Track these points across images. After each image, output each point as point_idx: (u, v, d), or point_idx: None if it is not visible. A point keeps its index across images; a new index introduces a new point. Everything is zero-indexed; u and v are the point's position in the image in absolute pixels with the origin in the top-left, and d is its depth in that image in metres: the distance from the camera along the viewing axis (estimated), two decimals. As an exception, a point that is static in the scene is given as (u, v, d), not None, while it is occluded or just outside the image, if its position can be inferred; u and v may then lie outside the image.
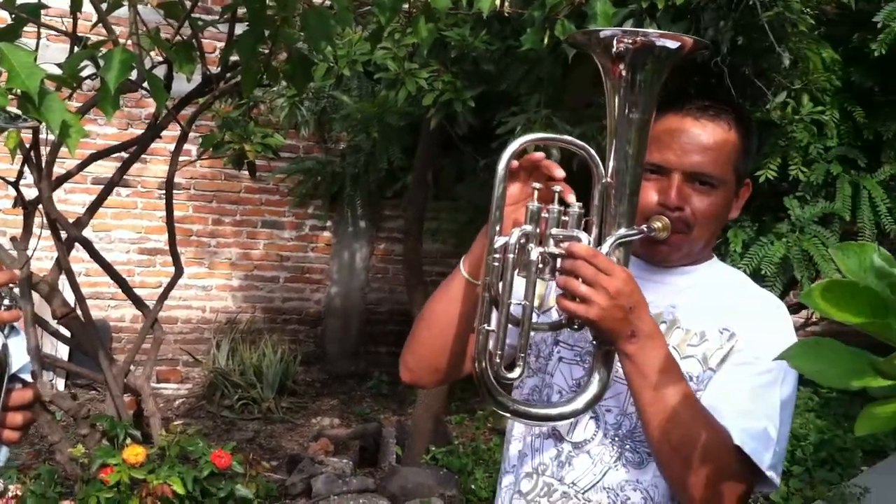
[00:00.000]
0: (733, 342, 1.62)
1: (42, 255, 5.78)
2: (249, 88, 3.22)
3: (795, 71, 4.29)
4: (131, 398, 4.37)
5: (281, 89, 5.45)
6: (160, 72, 3.16)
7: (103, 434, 3.74)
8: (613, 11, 2.84)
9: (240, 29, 3.10)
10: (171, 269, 4.28)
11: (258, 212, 7.76)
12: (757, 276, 4.46)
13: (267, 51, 3.13)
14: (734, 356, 1.62)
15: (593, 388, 1.55)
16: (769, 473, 1.54)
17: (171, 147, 6.69)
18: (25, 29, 2.58)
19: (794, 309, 7.61)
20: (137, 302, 4.16)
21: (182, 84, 3.51)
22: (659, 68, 1.50)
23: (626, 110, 1.51)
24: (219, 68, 3.69)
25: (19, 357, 1.37)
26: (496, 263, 1.50)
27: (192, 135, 4.46)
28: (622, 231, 1.53)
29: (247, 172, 4.64)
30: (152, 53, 3.13)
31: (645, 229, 1.57)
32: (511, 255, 1.49)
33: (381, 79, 4.99)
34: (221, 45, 6.72)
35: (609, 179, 1.52)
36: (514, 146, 1.50)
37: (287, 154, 7.27)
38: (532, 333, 1.62)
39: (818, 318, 7.70)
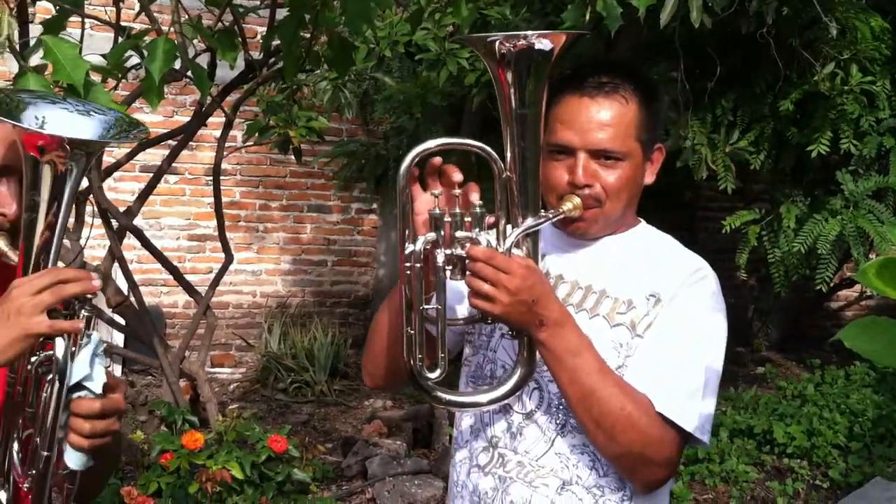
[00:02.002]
0: (659, 307, 1.69)
1: (94, 243, 5.88)
2: (291, 73, 3.23)
3: (843, 41, 4.21)
4: (186, 383, 4.42)
5: (323, 72, 5.46)
6: (203, 60, 3.18)
7: (161, 420, 3.80)
8: (656, -16, 2.79)
9: (280, 14, 3.10)
10: (221, 255, 4.32)
11: (304, 196, 7.80)
12: (812, 254, 4.40)
13: (308, 35, 3.13)
14: (660, 321, 1.69)
15: (518, 373, 1.66)
16: (696, 434, 1.64)
17: (217, 133, 6.74)
18: (70, 19, 2.61)
19: (848, 283, 7.49)
20: (189, 288, 4.21)
21: (225, 70, 3.53)
22: (542, 65, 1.58)
23: (515, 106, 1.60)
24: (261, 54, 3.70)
25: (81, 367, 1.40)
26: (408, 271, 1.59)
27: (236, 120, 4.49)
28: (528, 222, 1.62)
29: (292, 157, 4.66)
30: (195, 41, 3.15)
31: (550, 215, 1.65)
32: (418, 264, 1.58)
33: (423, 59, 4.98)
34: (262, 30, 6.75)
35: (508, 173, 1.61)
36: (410, 157, 1.57)
37: (331, 137, 7.29)
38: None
39: (872, 292, 7.57)
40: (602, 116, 1.68)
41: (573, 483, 1.69)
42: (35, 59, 2.14)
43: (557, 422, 1.71)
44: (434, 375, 1.63)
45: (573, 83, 1.72)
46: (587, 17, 3.14)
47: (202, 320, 4.20)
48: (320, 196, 7.83)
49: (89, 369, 1.41)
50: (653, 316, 1.69)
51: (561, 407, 1.70)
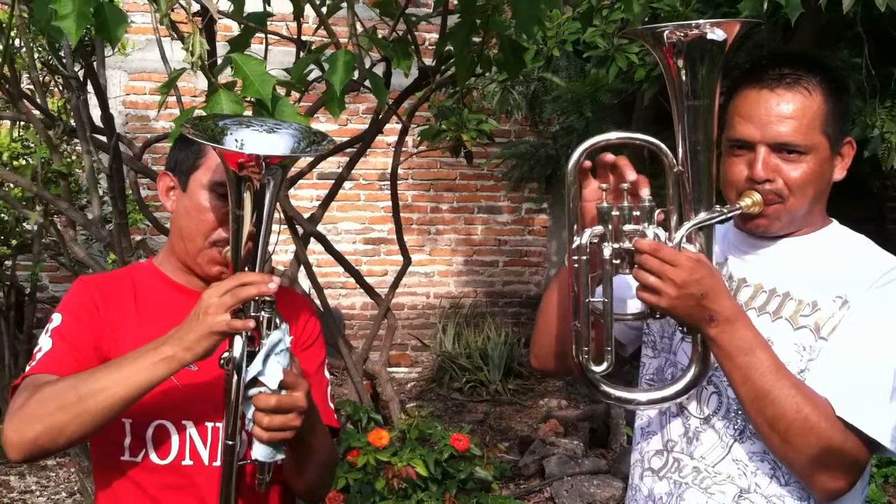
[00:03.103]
0: (846, 310, 1.61)
1: (277, 248, 6.13)
2: (463, 79, 3.27)
3: None
4: (367, 382, 4.56)
5: (492, 75, 5.50)
6: (379, 69, 3.26)
7: (347, 418, 3.91)
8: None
9: (451, 21, 3.15)
10: (395, 258, 4.43)
11: (475, 198, 7.89)
12: None
13: (479, 40, 3.17)
14: (846, 324, 1.61)
15: (691, 372, 1.64)
16: (882, 441, 1.55)
17: (388, 139, 6.92)
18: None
19: None
20: (370, 291, 4.32)
21: (399, 78, 3.61)
22: (714, 55, 1.54)
23: (687, 98, 1.57)
24: (433, 61, 3.76)
25: (255, 364, 1.50)
26: (575, 265, 1.59)
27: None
28: (700, 216, 1.59)
29: (462, 159, 4.72)
30: (370, 51, 3.23)
31: (725, 210, 1.61)
32: (584, 257, 1.59)
33: (591, 57, 4.95)
34: (431, 36, 6.86)
35: (680, 168, 1.59)
36: (578, 151, 1.57)
37: (499, 139, 7.34)
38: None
39: None
40: (783, 109, 1.63)
41: (751, 491, 1.65)
42: (220, 77, 2.25)
43: (736, 427, 1.67)
44: (600, 369, 1.63)
45: (753, 76, 1.67)
46: (765, 5, 3.03)
47: (383, 321, 4.32)
48: (490, 197, 7.91)
49: (262, 366, 1.49)
50: (838, 318, 1.62)
51: (740, 412, 1.66)
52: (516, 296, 8.01)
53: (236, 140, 1.61)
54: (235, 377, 1.52)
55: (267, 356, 1.50)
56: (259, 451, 1.53)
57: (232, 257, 1.60)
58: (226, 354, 1.52)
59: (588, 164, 1.60)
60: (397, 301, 7.58)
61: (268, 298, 1.52)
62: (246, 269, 1.58)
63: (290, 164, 1.64)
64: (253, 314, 1.51)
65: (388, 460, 3.55)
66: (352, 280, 4.39)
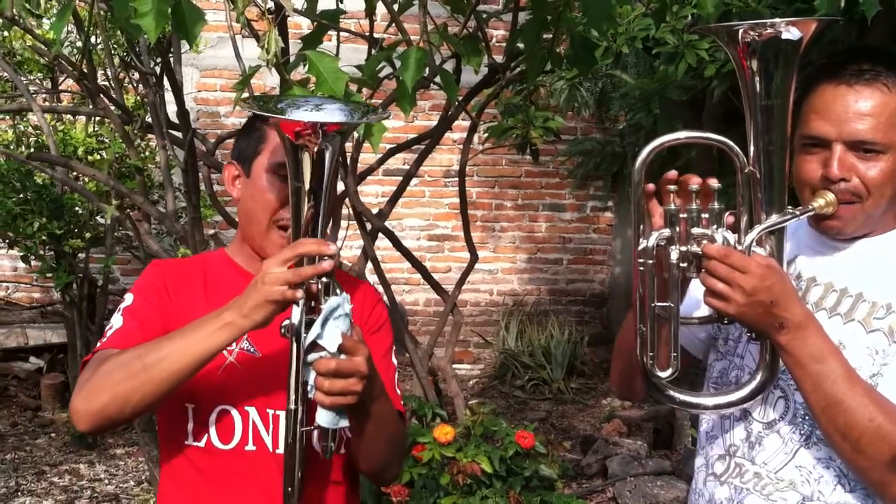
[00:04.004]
0: None
1: (345, 244, 6.18)
2: (534, 75, 3.26)
3: None
4: (429, 378, 4.57)
5: (559, 72, 5.48)
6: (448, 66, 3.27)
7: (412, 413, 3.93)
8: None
9: (521, 17, 3.15)
10: (459, 254, 4.43)
11: (539, 195, 7.87)
12: None
13: (549, 37, 3.16)
14: None
15: (758, 378, 1.61)
16: None
17: (454, 136, 6.93)
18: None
19: None
20: (437, 287, 4.34)
21: (467, 75, 3.62)
22: (790, 54, 1.50)
23: (761, 98, 1.53)
24: (503, 58, 3.76)
25: (314, 329, 1.51)
26: (641, 268, 1.57)
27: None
28: (771, 219, 1.55)
29: (527, 156, 4.71)
30: (440, 48, 3.24)
31: (797, 212, 1.56)
32: (650, 260, 1.56)
33: (660, 53, 4.91)
34: (499, 32, 6.84)
35: (752, 168, 1.55)
36: (646, 151, 1.54)
37: (565, 136, 7.32)
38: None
39: None
40: (861, 106, 1.58)
41: (814, 499, 1.61)
42: (293, 74, 2.28)
43: (802, 433, 1.63)
44: (665, 374, 1.62)
45: (830, 71, 1.62)
46: (842, 2, 2.97)
47: (448, 317, 4.33)
48: (555, 195, 7.88)
49: (320, 329, 1.50)
50: None
51: (807, 417, 1.62)
52: (580, 294, 7.97)
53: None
54: (295, 343, 1.54)
55: (325, 320, 1.51)
56: (322, 417, 1.54)
57: (292, 229, 1.61)
58: (286, 322, 1.54)
59: (651, 187, 1.57)
60: (460, 298, 7.57)
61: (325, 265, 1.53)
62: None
63: (347, 131, 1.64)
64: (311, 282, 1.53)
65: (452, 456, 3.56)
66: (416, 276, 4.41)
